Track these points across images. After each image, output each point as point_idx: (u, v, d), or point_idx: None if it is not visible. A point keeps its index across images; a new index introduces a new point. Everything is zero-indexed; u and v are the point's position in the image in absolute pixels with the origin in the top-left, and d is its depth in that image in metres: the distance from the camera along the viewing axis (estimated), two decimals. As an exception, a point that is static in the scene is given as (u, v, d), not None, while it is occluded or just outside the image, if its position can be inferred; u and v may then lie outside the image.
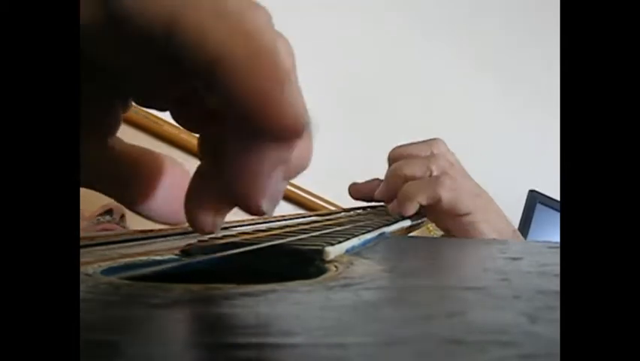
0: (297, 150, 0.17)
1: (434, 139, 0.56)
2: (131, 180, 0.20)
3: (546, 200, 1.12)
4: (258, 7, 0.16)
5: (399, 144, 0.56)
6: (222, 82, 0.15)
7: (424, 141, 0.56)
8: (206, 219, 0.18)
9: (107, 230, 0.90)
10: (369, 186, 0.58)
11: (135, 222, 0.99)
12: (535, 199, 1.11)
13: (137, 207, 0.20)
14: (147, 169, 0.20)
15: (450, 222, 0.53)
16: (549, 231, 1.10)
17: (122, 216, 0.98)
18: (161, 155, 0.21)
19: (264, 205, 0.16)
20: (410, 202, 0.50)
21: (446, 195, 0.50)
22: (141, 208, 0.20)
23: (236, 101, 0.15)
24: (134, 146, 0.21)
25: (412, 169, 0.52)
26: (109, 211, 0.96)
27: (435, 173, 0.52)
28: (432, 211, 0.52)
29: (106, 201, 0.97)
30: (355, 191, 0.59)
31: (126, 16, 0.15)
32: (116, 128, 0.19)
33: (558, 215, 1.11)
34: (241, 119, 0.15)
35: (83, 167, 0.15)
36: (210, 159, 0.18)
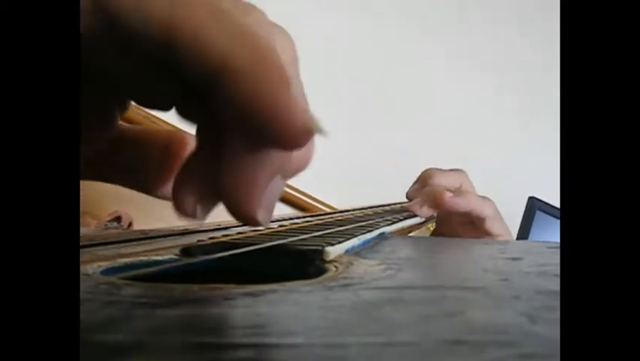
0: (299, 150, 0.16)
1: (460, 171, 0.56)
2: (144, 166, 0.20)
3: (545, 207, 1.11)
4: (251, 6, 0.15)
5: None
6: (227, 89, 0.14)
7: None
8: (189, 204, 0.16)
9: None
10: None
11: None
12: (534, 206, 1.10)
13: (155, 191, 0.20)
14: (159, 151, 0.20)
15: (470, 234, 0.53)
16: (548, 238, 1.10)
17: (130, 224, 0.97)
18: (172, 132, 0.20)
19: (260, 216, 0.16)
20: (463, 201, 0.49)
21: (490, 213, 0.51)
22: (159, 192, 0.20)
23: (242, 108, 0.14)
24: (142, 130, 0.20)
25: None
26: (117, 218, 0.95)
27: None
28: (464, 222, 0.52)
29: (115, 207, 0.96)
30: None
31: (123, 25, 0.14)
32: (113, 127, 0.19)
33: (557, 222, 1.11)
34: (247, 126, 0.15)
35: (89, 164, 0.15)
36: (208, 149, 0.17)
